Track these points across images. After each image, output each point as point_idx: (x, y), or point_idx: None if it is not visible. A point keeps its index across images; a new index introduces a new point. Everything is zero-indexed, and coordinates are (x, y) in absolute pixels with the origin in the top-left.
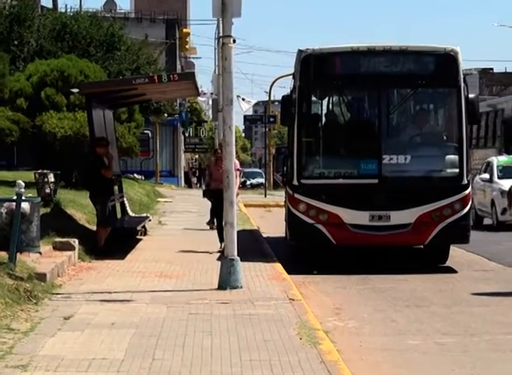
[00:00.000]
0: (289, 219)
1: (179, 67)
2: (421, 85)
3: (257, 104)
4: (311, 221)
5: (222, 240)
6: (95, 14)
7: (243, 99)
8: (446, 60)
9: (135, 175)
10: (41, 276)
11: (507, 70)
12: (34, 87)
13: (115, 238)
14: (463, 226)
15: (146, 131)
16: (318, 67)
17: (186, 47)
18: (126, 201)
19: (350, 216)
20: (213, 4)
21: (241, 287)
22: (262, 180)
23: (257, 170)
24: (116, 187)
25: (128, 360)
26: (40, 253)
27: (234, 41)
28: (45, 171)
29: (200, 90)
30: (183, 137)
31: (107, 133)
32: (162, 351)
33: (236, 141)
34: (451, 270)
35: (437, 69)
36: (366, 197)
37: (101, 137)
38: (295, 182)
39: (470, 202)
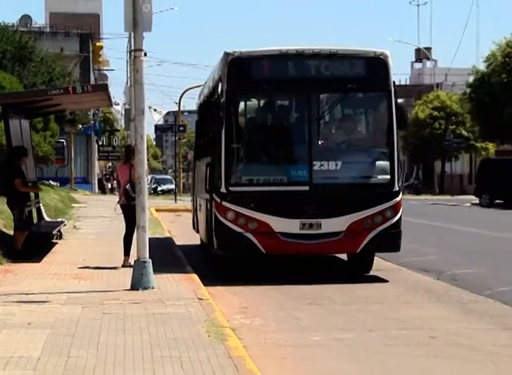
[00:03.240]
0: (217, 228)
1: (92, 79)
2: (351, 89)
3: (167, 114)
4: (239, 230)
5: (126, 251)
6: (7, 27)
7: (155, 110)
8: (376, 64)
9: (50, 182)
10: None
11: (401, 83)
12: None
13: (31, 242)
14: (394, 234)
15: (61, 140)
16: (245, 71)
17: (100, 60)
18: (42, 207)
19: (280, 225)
20: (125, 19)
21: (153, 287)
22: (173, 186)
23: (168, 177)
24: (33, 194)
25: (44, 358)
26: None
27: (145, 55)
28: None
29: (113, 100)
30: (96, 146)
31: (23, 142)
32: (77, 349)
33: (147, 149)
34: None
35: (367, 73)
36: (296, 204)
37: (23, 148)
38: (223, 189)
39: (401, 210)
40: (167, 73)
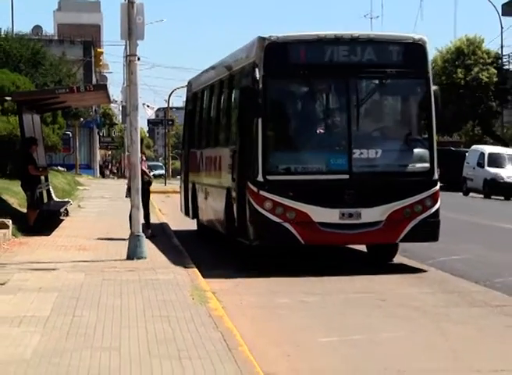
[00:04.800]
0: (253, 218)
1: (94, 80)
2: (390, 75)
3: (158, 110)
4: (277, 220)
5: (147, 225)
6: (23, 36)
7: (148, 106)
8: (415, 49)
9: (58, 167)
10: None
11: None
12: None
13: (42, 219)
14: (433, 223)
15: (67, 132)
16: (282, 56)
17: (100, 64)
18: (51, 189)
19: (319, 214)
20: (121, 29)
21: (145, 257)
22: (163, 172)
23: (159, 163)
24: (43, 177)
25: (53, 317)
26: None
27: (139, 59)
28: None
29: (111, 98)
30: (98, 137)
31: (35, 134)
32: (81, 309)
33: (141, 140)
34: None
35: (406, 58)
36: (336, 193)
37: (34, 138)
38: (260, 178)
39: (439, 199)
40: (158, 75)
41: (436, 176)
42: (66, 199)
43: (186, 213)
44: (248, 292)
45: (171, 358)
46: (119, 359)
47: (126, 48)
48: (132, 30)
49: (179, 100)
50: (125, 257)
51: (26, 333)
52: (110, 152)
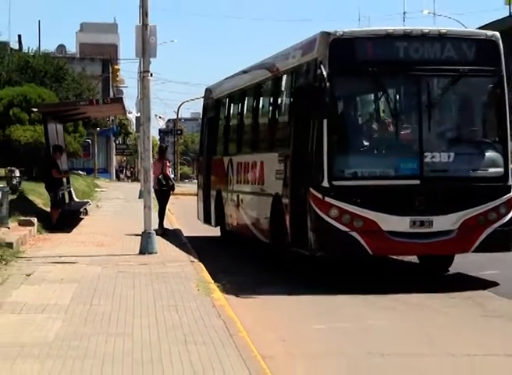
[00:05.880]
0: (317, 227)
1: (111, 93)
2: (462, 74)
3: (168, 121)
4: (344, 228)
5: (161, 224)
6: (48, 54)
7: (160, 117)
8: (488, 46)
9: (79, 171)
10: (10, 245)
11: None
12: (5, 107)
13: (64, 217)
14: (508, 232)
15: (87, 140)
16: (349, 52)
17: (117, 79)
18: (72, 190)
19: (389, 222)
20: (136, 48)
21: (156, 252)
22: (172, 175)
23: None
24: (65, 180)
25: (73, 305)
26: (8, 228)
27: (151, 75)
28: (13, 168)
29: (126, 110)
30: (114, 144)
31: (58, 141)
32: (98, 298)
33: (152, 147)
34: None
35: (479, 55)
36: (406, 200)
37: (60, 146)
38: (325, 184)
39: None
40: (169, 89)
41: (511, 181)
42: (86, 200)
43: (207, 221)
44: (250, 284)
45: (178, 343)
46: (131, 344)
47: (140, 65)
48: (145, 49)
49: (187, 112)
50: (137, 252)
51: (48, 319)
52: (125, 158)
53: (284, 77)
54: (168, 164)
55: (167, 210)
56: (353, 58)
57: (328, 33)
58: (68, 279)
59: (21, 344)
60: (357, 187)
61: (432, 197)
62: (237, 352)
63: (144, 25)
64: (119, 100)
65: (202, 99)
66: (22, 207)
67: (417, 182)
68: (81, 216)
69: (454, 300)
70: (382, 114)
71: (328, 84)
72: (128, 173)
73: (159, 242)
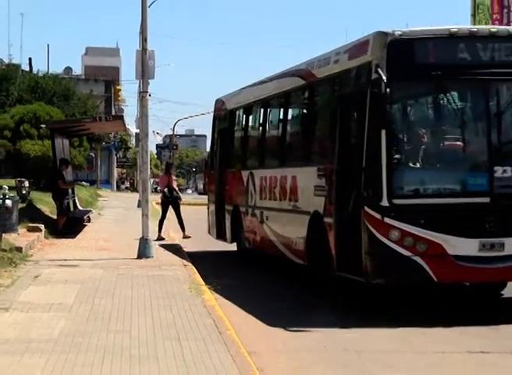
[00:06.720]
0: (374, 251)
1: (113, 111)
2: None
3: (165, 136)
4: (406, 253)
5: (183, 229)
6: (57, 75)
7: (157, 133)
8: None
9: (83, 182)
10: (19, 249)
11: None
12: (16, 123)
13: (69, 224)
14: None
15: (91, 154)
16: (409, 54)
17: (118, 98)
18: (76, 200)
19: (455, 245)
20: (136, 70)
21: (152, 257)
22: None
23: None
24: (70, 190)
25: (76, 304)
26: (18, 234)
27: (150, 95)
28: (22, 179)
29: (127, 126)
30: (115, 158)
31: (64, 155)
32: (99, 299)
33: (150, 160)
34: None
35: None
36: (474, 220)
37: (66, 160)
38: (384, 202)
39: None
40: (166, 108)
41: None
42: (89, 208)
43: (220, 237)
44: (239, 287)
45: (172, 339)
46: (129, 340)
47: (139, 85)
48: (144, 72)
49: (182, 129)
50: (135, 256)
51: (54, 317)
52: (125, 170)
53: (323, 84)
54: (174, 178)
55: (167, 219)
56: (413, 61)
57: (386, 34)
58: (72, 280)
59: (29, 340)
60: (421, 205)
61: (503, 216)
62: (225, 348)
63: (144, 50)
64: (120, 117)
65: (196, 113)
66: (30, 214)
67: (487, 200)
68: (85, 223)
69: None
70: (445, 123)
71: (387, 90)
72: (128, 184)
73: (155, 247)
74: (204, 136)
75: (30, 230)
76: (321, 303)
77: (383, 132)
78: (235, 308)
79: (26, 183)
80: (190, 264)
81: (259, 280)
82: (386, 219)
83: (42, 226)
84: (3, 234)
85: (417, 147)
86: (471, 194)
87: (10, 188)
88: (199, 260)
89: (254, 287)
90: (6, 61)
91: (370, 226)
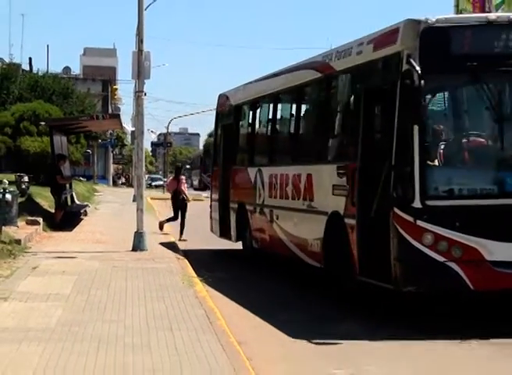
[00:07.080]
0: (406, 257)
1: (110, 110)
2: None
3: (159, 134)
4: (441, 258)
5: (181, 232)
6: (56, 75)
7: (152, 131)
8: None
9: (80, 178)
10: (18, 241)
11: None
12: (16, 120)
13: (66, 218)
14: None
15: (88, 150)
16: (443, 44)
17: (115, 97)
18: (74, 194)
19: (493, 250)
20: (132, 71)
21: (147, 250)
22: (161, 183)
23: (159, 176)
24: (68, 185)
25: (73, 294)
26: (17, 226)
27: (145, 94)
28: (22, 174)
29: (123, 125)
30: (111, 154)
31: (62, 151)
32: (95, 289)
33: (145, 157)
34: None
35: None
36: None
37: (63, 155)
38: (417, 204)
39: None
40: (160, 107)
41: None
42: (85, 203)
43: (224, 235)
44: (230, 279)
45: (164, 329)
46: (123, 329)
47: (135, 85)
48: (140, 72)
49: (176, 127)
50: (130, 249)
51: (51, 306)
52: (121, 167)
53: (344, 77)
54: (183, 181)
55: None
56: (447, 51)
57: (418, 21)
58: (69, 272)
59: (27, 329)
60: (456, 207)
61: None
62: (216, 338)
63: (140, 51)
64: (116, 116)
65: (190, 112)
66: (29, 208)
67: None
68: (81, 217)
69: None
70: (483, 119)
71: (420, 82)
72: (123, 180)
73: (149, 241)
74: (197, 134)
75: (29, 223)
76: (328, 304)
77: (416, 128)
78: (226, 300)
79: (26, 178)
80: (182, 257)
81: (253, 276)
82: (419, 222)
83: (41, 220)
84: (3, 227)
85: (452, 144)
86: (510, 194)
87: (10, 183)
88: (195, 256)
89: (250, 283)
90: (7, 60)
91: (400, 230)
